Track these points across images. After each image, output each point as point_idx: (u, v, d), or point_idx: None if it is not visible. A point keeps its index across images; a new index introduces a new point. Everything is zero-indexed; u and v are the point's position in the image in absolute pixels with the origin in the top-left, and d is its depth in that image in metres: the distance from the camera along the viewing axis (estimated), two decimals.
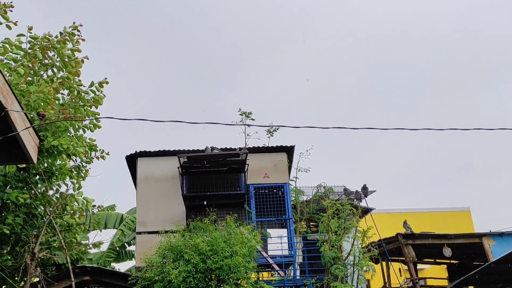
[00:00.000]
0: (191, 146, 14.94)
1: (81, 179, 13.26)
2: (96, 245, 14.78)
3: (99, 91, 12.01)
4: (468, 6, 54.69)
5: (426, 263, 20.29)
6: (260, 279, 13.87)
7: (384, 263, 17.52)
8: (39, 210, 12.72)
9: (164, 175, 14.91)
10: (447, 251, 15.45)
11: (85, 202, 13.27)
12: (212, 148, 14.44)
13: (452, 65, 56.26)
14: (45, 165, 12.28)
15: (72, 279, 11.91)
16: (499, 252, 14.31)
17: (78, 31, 11.85)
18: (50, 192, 13.04)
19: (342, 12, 56.53)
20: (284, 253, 14.12)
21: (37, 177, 12.58)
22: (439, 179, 51.88)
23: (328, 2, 55.59)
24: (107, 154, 13.32)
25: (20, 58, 11.00)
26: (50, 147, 10.77)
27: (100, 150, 13.21)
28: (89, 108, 11.97)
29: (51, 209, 12.45)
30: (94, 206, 13.67)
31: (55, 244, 13.01)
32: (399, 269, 17.75)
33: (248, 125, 16.50)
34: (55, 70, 11.84)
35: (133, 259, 20.74)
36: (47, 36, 11.45)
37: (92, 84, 11.97)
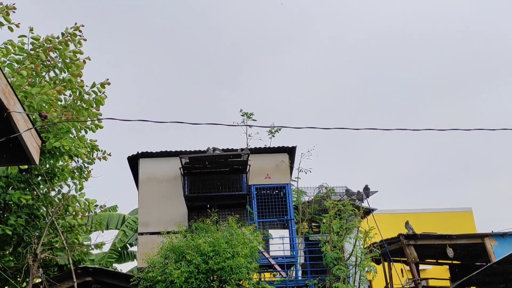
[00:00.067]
0: (192, 147, 14.96)
1: (83, 180, 13.28)
2: (98, 246, 14.81)
3: (101, 92, 12.05)
4: (469, 7, 54.66)
5: (428, 263, 20.29)
6: (262, 279, 13.86)
7: (386, 263, 17.52)
8: (41, 211, 12.75)
9: (166, 176, 14.91)
10: (450, 252, 15.44)
11: (87, 203, 13.30)
12: (214, 149, 14.45)
13: (453, 66, 56.26)
14: (47, 166, 12.31)
15: (74, 280, 11.92)
16: (501, 253, 14.30)
17: (80, 31, 11.89)
18: (52, 193, 13.08)
19: (343, 13, 56.54)
20: (286, 254, 14.12)
21: (39, 178, 12.61)
22: (441, 179, 51.84)
23: (328, 3, 55.61)
24: (109, 155, 13.36)
25: (23, 60, 11.04)
26: (52, 148, 10.80)
27: (102, 151, 13.24)
28: (91, 108, 12.00)
29: (53, 210, 12.47)
30: (96, 206, 13.69)
31: (57, 245, 13.03)
32: (401, 269, 17.76)
33: (249, 125, 16.52)
34: (57, 71, 11.88)
35: (135, 260, 20.74)
36: (49, 38, 11.49)
37: (94, 85, 12.01)
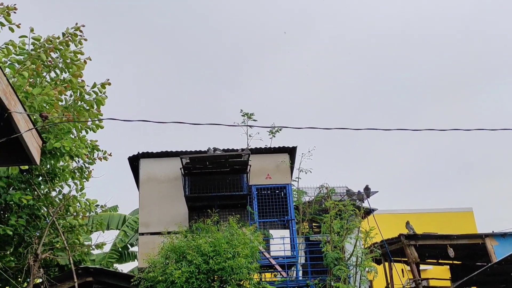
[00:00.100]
0: (193, 147, 14.97)
1: (84, 180, 13.30)
2: (99, 246, 14.82)
3: (101, 92, 12.07)
4: (469, 7, 54.65)
5: (429, 263, 20.29)
6: (263, 280, 13.86)
7: (386, 263, 17.53)
8: (42, 211, 12.77)
9: (166, 176, 14.92)
10: (451, 252, 15.44)
11: (87, 203, 13.31)
12: (215, 149, 14.46)
13: (453, 66, 56.25)
14: (48, 166, 12.32)
15: (75, 280, 11.94)
16: (502, 253, 14.30)
17: (81, 31, 11.91)
18: (53, 194, 13.09)
19: (343, 13, 56.55)
20: (287, 254, 14.12)
21: (40, 178, 12.62)
22: (442, 179, 51.83)
23: (328, 3, 55.62)
24: (110, 155, 13.37)
25: (24, 60, 11.05)
26: (53, 148, 10.82)
27: (102, 151, 13.26)
28: (92, 109, 12.02)
29: (54, 210, 12.48)
30: (97, 206, 13.70)
31: (58, 245, 13.04)
32: (402, 269, 17.77)
33: (250, 126, 16.53)
34: (57, 71, 11.90)
35: (135, 260, 20.76)
36: (50, 38, 11.50)
37: (94, 85, 12.03)
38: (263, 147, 15.66)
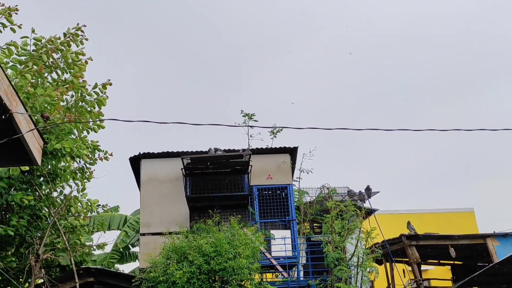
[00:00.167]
0: (194, 147, 14.98)
1: (85, 180, 13.31)
2: (100, 246, 14.83)
3: (102, 93, 12.09)
4: (469, 7, 54.63)
5: (430, 264, 20.26)
6: (264, 280, 13.86)
7: (388, 264, 17.51)
8: (43, 211, 12.78)
9: (167, 177, 14.93)
10: (453, 252, 15.43)
11: (89, 203, 13.32)
12: (216, 150, 14.46)
13: (453, 66, 56.22)
14: (49, 167, 12.34)
15: (76, 280, 11.95)
16: (503, 253, 14.28)
17: (82, 31, 11.92)
18: (54, 194, 13.10)
19: (343, 13, 56.56)
20: (288, 254, 14.13)
21: (41, 179, 12.63)
22: (443, 180, 51.78)
23: (328, 3, 55.63)
24: (111, 155, 13.37)
25: (25, 60, 11.07)
26: (54, 149, 10.83)
27: (103, 151, 13.26)
28: (93, 109, 12.04)
29: (55, 210, 12.49)
30: (98, 205, 13.71)
31: (59, 246, 13.06)
32: (403, 270, 17.74)
33: (251, 126, 16.52)
34: (59, 72, 11.91)
35: (137, 260, 20.77)
36: (51, 39, 11.52)
37: (95, 86, 12.05)
38: (264, 147, 15.67)
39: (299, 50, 56.56)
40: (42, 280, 12.08)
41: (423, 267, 20.30)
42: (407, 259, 16.43)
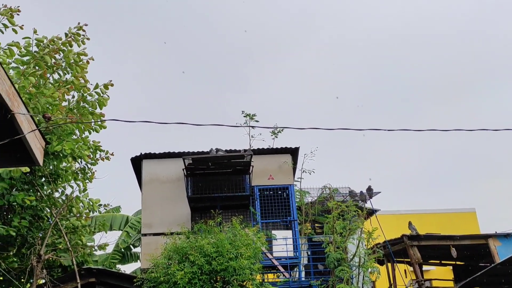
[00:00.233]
0: (195, 148, 14.99)
1: (87, 181, 13.32)
2: (102, 247, 14.85)
3: (104, 93, 12.10)
4: (469, 7, 54.60)
5: (432, 264, 20.25)
6: (265, 280, 13.87)
7: (389, 264, 17.49)
8: (45, 212, 12.79)
9: (169, 177, 14.94)
10: (454, 252, 15.42)
11: (91, 203, 13.33)
12: (217, 150, 14.47)
13: (453, 66, 56.15)
14: (51, 167, 12.35)
15: (78, 280, 11.97)
16: (505, 253, 14.27)
17: (83, 30, 11.92)
18: (56, 194, 13.12)
19: (343, 13, 56.57)
20: (289, 255, 14.14)
21: (43, 179, 12.65)
22: (444, 180, 51.73)
23: (328, 3, 55.62)
24: (112, 154, 13.37)
25: (27, 61, 11.08)
26: (55, 150, 10.85)
27: (105, 151, 13.27)
28: (94, 110, 12.05)
29: (56, 211, 12.51)
30: (100, 205, 13.71)
31: (61, 246, 13.08)
32: (405, 270, 17.74)
33: (252, 126, 16.54)
34: (60, 72, 11.93)
35: (138, 261, 20.78)
36: (53, 39, 11.53)
37: (97, 86, 12.06)
38: (265, 147, 15.67)
39: (299, 50, 56.61)
40: (43, 281, 12.10)
41: (424, 267, 20.28)
42: (409, 260, 16.42)
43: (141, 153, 15.06)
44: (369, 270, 13.96)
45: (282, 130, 16.67)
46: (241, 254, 10.87)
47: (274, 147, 15.73)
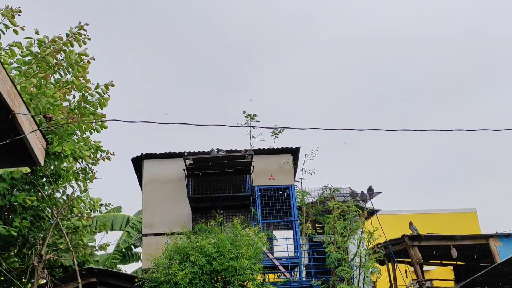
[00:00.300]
0: (196, 148, 15.01)
1: (88, 181, 13.33)
2: (103, 247, 14.86)
3: (104, 93, 12.11)
4: (469, 7, 54.57)
5: (432, 264, 20.26)
6: (266, 280, 13.88)
7: (390, 264, 17.50)
8: (46, 212, 12.80)
9: (170, 177, 14.96)
10: (454, 252, 15.42)
11: (92, 202, 13.33)
12: (218, 150, 14.48)
13: (453, 66, 56.12)
14: (52, 167, 12.37)
15: (79, 280, 11.98)
16: (506, 254, 14.27)
17: (85, 30, 11.92)
18: (57, 194, 13.13)
19: (343, 14, 56.57)
20: (290, 255, 14.15)
21: (44, 179, 12.66)
22: (444, 180, 51.70)
23: (328, 3, 55.61)
24: (113, 154, 13.38)
25: (29, 61, 11.09)
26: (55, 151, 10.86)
27: (105, 151, 13.28)
28: (95, 110, 12.06)
29: (58, 211, 12.52)
30: (101, 205, 13.72)
31: (62, 246, 13.09)
32: (405, 270, 17.73)
33: (253, 126, 16.55)
34: (62, 73, 11.94)
35: (139, 261, 20.78)
36: (55, 39, 11.53)
37: (98, 86, 12.07)
38: (266, 148, 15.68)
39: (299, 50, 56.61)
40: (44, 281, 12.11)
41: (425, 267, 20.30)
42: (410, 260, 16.43)
43: (142, 153, 15.08)
44: (370, 270, 13.97)
45: (282, 130, 16.68)
46: (242, 254, 10.87)
47: (275, 147, 15.75)
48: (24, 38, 11.24)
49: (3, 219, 11.90)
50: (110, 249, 19.18)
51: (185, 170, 14.12)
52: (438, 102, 56.34)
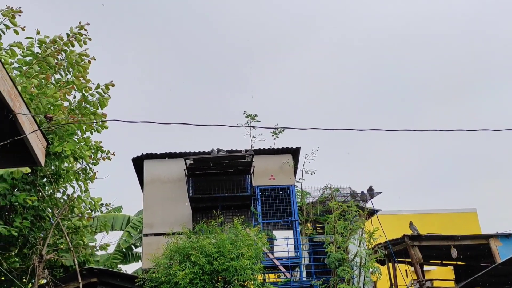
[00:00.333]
0: (197, 148, 15.02)
1: (89, 181, 13.33)
2: (103, 247, 14.86)
3: (105, 93, 12.12)
4: (469, 7, 54.57)
5: (433, 264, 20.26)
6: (267, 280, 13.88)
7: (390, 264, 17.50)
8: (47, 212, 12.81)
9: (170, 177, 14.96)
10: (454, 252, 15.42)
11: (92, 202, 13.34)
12: (218, 150, 14.49)
13: (453, 66, 56.10)
14: (52, 167, 12.38)
15: (80, 280, 11.99)
16: (506, 254, 14.27)
17: (85, 30, 11.93)
18: (58, 195, 13.13)
19: (343, 14, 56.58)
20: (290, 255, 14.15)
21: (45, 179, 12.66)
22: (444, 180, 51.68)
23: (328, 4, 55.61)
24: (113, 154, 13.39)
25: (29, 61, 11.10)
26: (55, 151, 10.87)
27: (106, 151, 13.29)
28: (96, 110, 12.07)
29: (58, 211, 12.53)
30: (102, 204, 13.73)
31: (62, 246, 13.09)
32: (406, 270, 17.73)
33: (253, 127, 16.56)
34: (62, 73, 11.95)
35: (140, 261, 20.79)
36: (56, 38, 11.54)
37: (98, 86, 12.08)
38: (266, 148, 15.68)
39: (299, 50, 56.62)
40: (45, 281, 12.12)
41: (425, 267, 20.29)
42: (410, 260, 16.43)
43: (142, 153, 15.09)
44: (370, 270, 13.98)
45: (283, 131, 16.69)
46: (242, 254, 10.88)
47: (275, 147, 15.75)
48: (25, 38, 11.26)
49: (4, 219, 11.90)
50: (111, 249, 19.19)
51: (186, 170, 14.12)
52: (438, 102, 56.36)
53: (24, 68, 10.98)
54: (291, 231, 14.59)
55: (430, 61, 52.23)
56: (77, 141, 11.83)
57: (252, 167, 14.24)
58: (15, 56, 11.07)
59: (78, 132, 12.00)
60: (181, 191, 14.52)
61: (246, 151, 14.76)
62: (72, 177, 12.87)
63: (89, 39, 12.04)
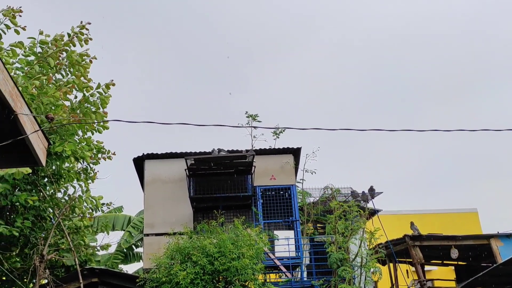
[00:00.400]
0: (197, 148, 15.02)
1: (89, 181, 13.34)
2: (104, 247, 14.87)
3: (105, 93, 12.13)
4: (469, 7, 54.52)
5: (434, 264, 20.25)
6: (268, 280, 13.89)
7: (391, 264, 17.50)
8: (48, 212, 12.82)
9: (171, 177, 14.97)
10: (454, 252, 15.41)
11: (94, 201, 13.34)
12: (219, 150, 14.49)
13: (453, 66, 56.06)
14: (53, 168, 12.38)
15: (81, 280, 11.99)
16: (507, 254, 14.27)
17: (87, 29, 11.94)
18: (59, 195, 13.14)
19: (343, 14, 56.56)
20: (291, 255, 14.15)
21: (46, 179, 12.68)
22: (445, 180, 51.65)
23: (328, 4, 55.59)
24: (114, 154, 13.39)
25: (31, 61, 11.11)
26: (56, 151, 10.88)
27: (107, 151, 13.30)
28: (98, 110, 12.08)
29: (59, 211, 12.54)
30: (103, 204, 13.73)
31: (63, 246, 13.10)
32: (407, 270, 17.72)
33: (254, 127, 16.56)
34: (63, 73, 11.96)
35: (140, 261, 20.81)
36: (57, 38, 11.54)
37: (99, 86, 12.09)
38: (267, 148, 15.68)
39: (300, 50, 56.61)
40: (46, 281, 12.13)
41: (426, 267, 20.29)
42: (411, 260, 16.43)
43: (143, 153, 15.10)
44: (371, 270, 13.98)
45: (283, 131, 16.68)
46: (243, 254, 10.88)
47: (276, 147, 15.75)
48: (27, 38, 11.27)
49: (5, 219, 11.91)
50: (112, 249, 19.21)
51: (187, 170, 14.13)
52: (438, 102, 56.32)
53: (25, 68, 10.99)
54: (292, 231, 14.58)
55: (430, 61, 52.23)
56: (78, 141, 11.84)
57: (253, 167, 14.25)
58: (16, 56, 11.08)
59: (79, 132, 12.01)
60: (182, 191, 14.52)
61: (247, 151, 14.76)
62: (73, 177, 12.88)
63: (90, 39, 12.05)
